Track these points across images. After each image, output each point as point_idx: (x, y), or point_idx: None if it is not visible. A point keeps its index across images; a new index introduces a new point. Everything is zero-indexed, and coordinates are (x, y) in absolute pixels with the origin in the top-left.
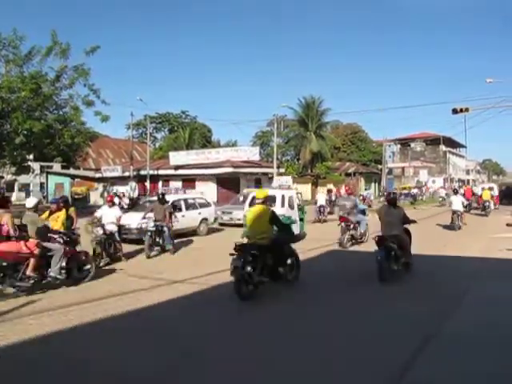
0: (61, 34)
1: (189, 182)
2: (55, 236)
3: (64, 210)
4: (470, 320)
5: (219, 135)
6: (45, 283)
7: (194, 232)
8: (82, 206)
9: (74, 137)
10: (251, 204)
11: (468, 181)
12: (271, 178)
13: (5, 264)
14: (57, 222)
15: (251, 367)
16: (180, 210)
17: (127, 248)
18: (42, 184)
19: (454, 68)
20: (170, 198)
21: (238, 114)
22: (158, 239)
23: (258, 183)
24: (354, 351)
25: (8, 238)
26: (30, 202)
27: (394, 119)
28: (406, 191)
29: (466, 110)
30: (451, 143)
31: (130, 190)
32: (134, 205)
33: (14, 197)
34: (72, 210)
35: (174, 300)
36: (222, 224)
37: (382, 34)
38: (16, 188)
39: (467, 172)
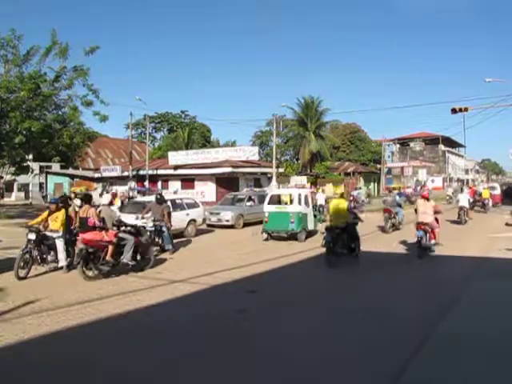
0: (60, 34)
1: (188, 181)
2: (127, 228)
3: (63, 210)
4: (469, 320)
5: (218, 135)
6: (117, 269)
7: (180, 234)
8: (81, 205)
9: (73, 137)
10: (270, 202)
11: (467, 180)
12: (270, 178)
13: (90, 250)
14: (56, 221)
15: (252, 366)
16: None
17: None
18: (41, 184)
19: (453, 68)
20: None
21: (238, 114)
22: (157, 239)
23: (257, 183)
24: (354, 350)
25: (93, 228)
26: (106, 198)
27: (394, 119)
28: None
29: (465, 109)
30: (450, 143)
31: (129, 189)
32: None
33: (14, 197)
34: (71, 210)
35: (173, 300)
36: (209, 225)
37: (381, 34)
38: (15, 188)
39: (466, 171)
